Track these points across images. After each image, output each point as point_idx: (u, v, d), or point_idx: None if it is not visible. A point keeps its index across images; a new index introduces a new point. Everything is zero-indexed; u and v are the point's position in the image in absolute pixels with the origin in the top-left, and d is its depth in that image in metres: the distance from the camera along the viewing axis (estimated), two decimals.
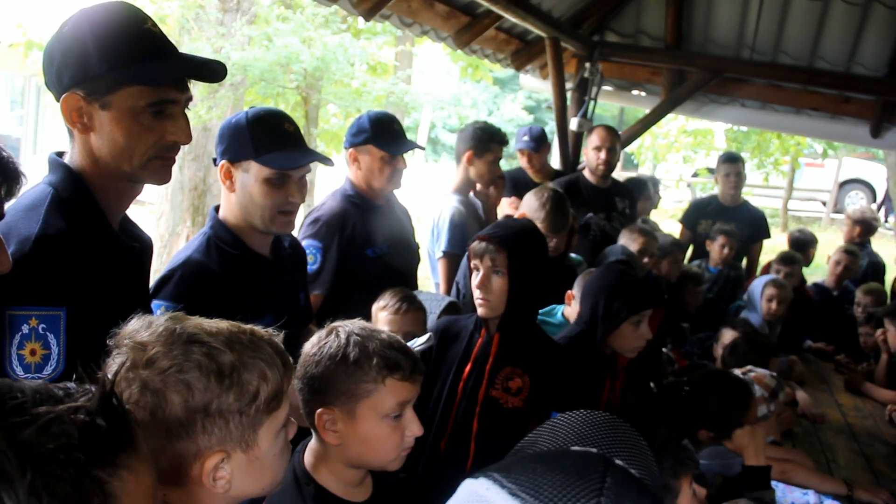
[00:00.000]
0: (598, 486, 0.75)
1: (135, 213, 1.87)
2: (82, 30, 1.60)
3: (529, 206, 3.67)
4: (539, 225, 3.56)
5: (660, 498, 0.83)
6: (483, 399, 2.39)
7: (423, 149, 3.60)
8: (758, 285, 4.98)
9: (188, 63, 1.72)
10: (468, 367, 2.44)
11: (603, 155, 4.88)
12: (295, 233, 2.70)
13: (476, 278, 2.44)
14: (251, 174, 2.21)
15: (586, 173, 5.04)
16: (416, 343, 2.43)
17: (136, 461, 0.84)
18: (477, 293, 2.43)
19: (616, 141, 4.99)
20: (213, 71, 1.74)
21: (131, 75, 1.61)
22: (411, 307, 2.86)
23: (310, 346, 1.73)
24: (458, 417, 2.42)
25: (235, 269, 2.23)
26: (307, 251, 2.96)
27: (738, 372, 3.04)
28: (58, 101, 1.64)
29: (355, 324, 1.77)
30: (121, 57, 1.60)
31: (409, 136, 3.47)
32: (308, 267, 2.94)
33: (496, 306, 2.42)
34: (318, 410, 1.67)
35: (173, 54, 1.71)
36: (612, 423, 0.96)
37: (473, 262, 2.47)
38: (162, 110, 1.67)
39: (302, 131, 2.47)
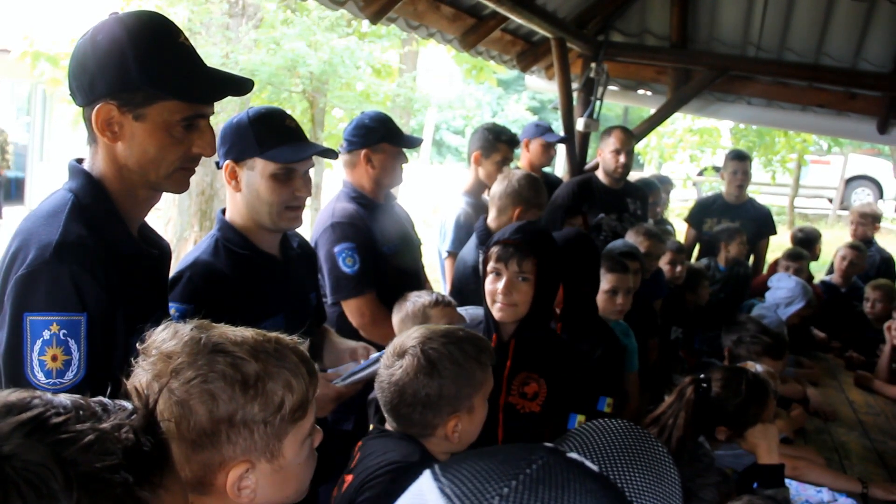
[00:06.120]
0: (516, 472, 0.72)
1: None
2: (120, 40, 1.59)
3: (512, 194, 3.46)
4: (531, 208, 3.45)
5: (612, 487, 0.79)
6: (503, 406, 2.32)
7: (422, 140, 3.70)
8: (778, 283, 4.95)
9: (225, 80, 1.75)
10: None
11: (622, 158, 4.83)
12: (306, 233, 2.70)
13: (499, 283, 2.34)
14: (256, 171, 2.22)
15: (599, 174, 5.00)
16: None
17: (171, 480, 0.84)
18: (499, 298, 2.34)
19: (634, 143, 4.98)
20: (243, 87, 1.78)
21: (173, 91, 1.62)
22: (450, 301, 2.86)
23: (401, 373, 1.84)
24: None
25: (244, 269, 2.24)
26: (345, 254, 2.98)
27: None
28: (82, 106, 1.64)
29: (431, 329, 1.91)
30: (161, 71, 1.61)
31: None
32: (348, 270, 2.96)
33: (520, 312, 2.35)
34: (451, 423, 1.83)
35: (207, 69, 1.72)
36: (627, 431, 0.94)
37: (494, 266, 2.37)
38: (193, 124, 1.68)
39: (308, 135, 2.49)
